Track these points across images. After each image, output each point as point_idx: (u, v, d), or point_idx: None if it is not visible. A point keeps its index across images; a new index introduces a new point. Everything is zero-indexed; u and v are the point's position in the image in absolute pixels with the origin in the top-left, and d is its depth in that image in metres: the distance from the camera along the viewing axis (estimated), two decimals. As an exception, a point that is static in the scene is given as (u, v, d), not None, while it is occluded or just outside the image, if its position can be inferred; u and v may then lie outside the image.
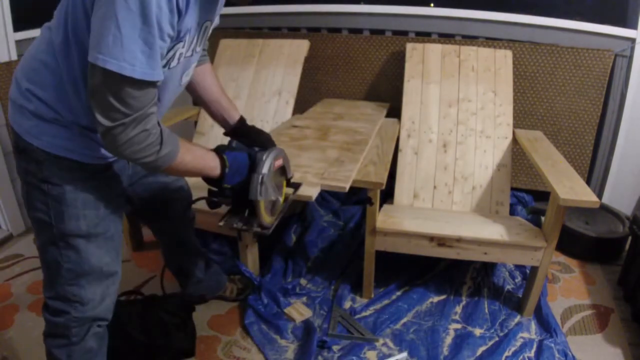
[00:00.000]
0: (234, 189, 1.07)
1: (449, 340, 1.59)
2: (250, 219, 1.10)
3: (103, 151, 1.02)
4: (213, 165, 1.02)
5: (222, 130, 1.28)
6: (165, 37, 0.81)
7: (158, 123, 0.88)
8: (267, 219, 1.11)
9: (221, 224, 1.12)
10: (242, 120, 1.26)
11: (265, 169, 1.06)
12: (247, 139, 1.20)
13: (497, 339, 1.58)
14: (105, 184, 1.06)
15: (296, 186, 1.32)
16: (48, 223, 1.00)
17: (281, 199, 1.21)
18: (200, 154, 1.00)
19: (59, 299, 1.06)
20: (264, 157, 1.08)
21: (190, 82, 1.19)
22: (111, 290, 1.11)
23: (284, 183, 1.25)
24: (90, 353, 1.13)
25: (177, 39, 0.86)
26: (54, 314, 1.07)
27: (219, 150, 1.06)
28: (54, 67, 0.91)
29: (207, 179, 1.06)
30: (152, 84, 0.83)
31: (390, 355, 1.51)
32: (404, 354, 1.51)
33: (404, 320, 1.68)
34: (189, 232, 1.56)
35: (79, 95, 0.92)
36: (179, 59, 0.93)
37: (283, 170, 1.21)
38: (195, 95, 1.24)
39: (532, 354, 1.52)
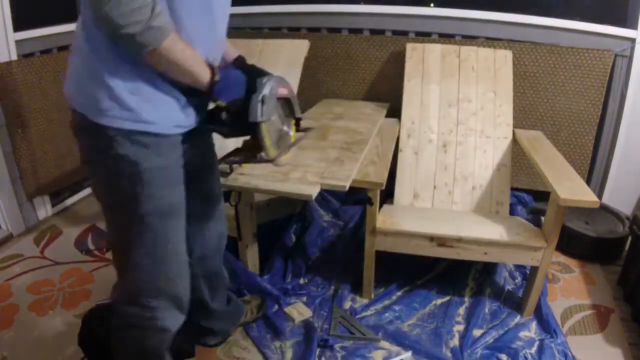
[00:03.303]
0: (230, 111, 0.97)
1: (452, 342, 1.59)
2: (252, 151, 1.03)
3: (178, 116, 0.97)
4: (202, 68, 0.93)
5: None
6: None
7: None
8: (271, 150, 1.01)
9: (222, 165, 1.08)
10: (241, 58, 1.14)
11: (266, 90, 0.96)
12: (244, 70, 1.06)
13: (497, 337, 1.59)
14: (178, 165, 1.03)
15: (307, 129, 1.19)
16: (123, 203, 0.97)
17: (291, 134, 1.11)
18: (193, 54, 0.91)
19: (134, 287, 1.05)
20: (264, 80, 0.98)
21: None
22: (184, 272, 1.09)
23: (293, 123, 1.14)
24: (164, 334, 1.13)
25: None
26: (128, 302, 1.06)
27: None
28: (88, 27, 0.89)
29: (210, 114, 1.01)
30: None
31: (395, 356, 1.51)
32: (408, 354, 1.51)
33: (408, 322, 1.68)
34: (220, 257, 1.41)
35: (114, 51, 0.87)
36: None
37: (290, 107, 1.11)
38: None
39: (533, 351, 1.53)
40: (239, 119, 0.97)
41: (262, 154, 1.01)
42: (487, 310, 1.72)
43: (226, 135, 1.03)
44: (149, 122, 0.92)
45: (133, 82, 0.90)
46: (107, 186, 0.97)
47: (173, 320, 1.12)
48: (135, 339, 1.10)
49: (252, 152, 1.03)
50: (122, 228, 1.01)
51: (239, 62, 1.13)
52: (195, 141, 1.09)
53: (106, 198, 1.00)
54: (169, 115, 0.96)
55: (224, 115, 0.98)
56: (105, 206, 1.02)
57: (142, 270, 1.03)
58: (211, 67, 0.95)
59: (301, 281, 1.88)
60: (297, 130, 1.16)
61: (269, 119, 0.99)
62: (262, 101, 0.95)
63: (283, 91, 1.04)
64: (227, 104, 0.97)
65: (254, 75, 0.99)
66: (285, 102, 1.08)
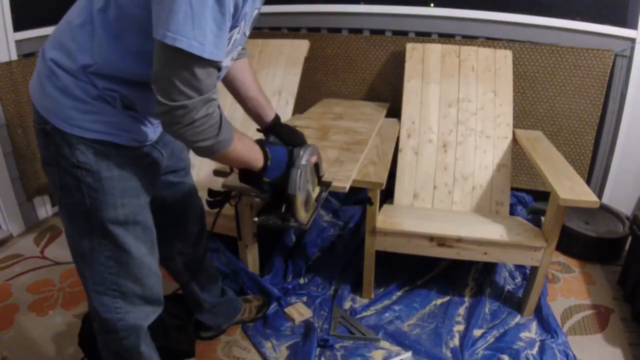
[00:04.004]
0: (272, 184, 1.08)
1: (452, 342, 1.58)
2: (286, 215, 1.12)
3: (142, 132, 0.99)
4: (258, 157, 1.03)
5: None
6: (231, 18, 0.79)
7: (218, 107, 0.87)
8: (302, 214, 1.13)
9: (256, 219, 1.14)
10: (277, 118, 1.26)
11: (303, 164, 1.08)
12: (281, 136, 1.20)
13: (498, 337, 1.59)
14: (143, 173, 1.02)
15: (327, 184, 1.34)
16: (83, 211, 0.96)
17: (314, 195, 1.22)
18: (249, 144, 1.01)
19: (99, 293, 1.03)
20: (302, 153, 1.10)
21: (229, 77, 1.18)
22: (149, 273, 1.07)
23: (316, 181, 1.25)
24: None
25: (236, 24, 0.84)
26: (101, 312, 1.05)
27: (261, 144, 1.06)
28: (89, 31, 0.86)
29: (244, 174, 1.07)
30: (216, 66, 0.81)
31: (395, 356, 1.51)
32: (408, 354, 1.51)
33: (408, 322, 1.68)
34: (203, 251, 1.41)
35: (116, 60, 0.87)
36: (232, 45, 0.90)
37: (316, 168, 1.23)
38: (233, 91, 1.22)
39: (534, 352, 1.53)
40: (278, 189, 1.08)
41: (293, 219, 1.12)
42: (487, 310, 1.72)
43: (264, 199, 1.16)
44: (111, 133, 0.93)
45: (98, 101, 0.91)
46: (67, 192, 0.96)
47: (143, 314, 1.11)
48: (114, 340, 1.10)
49: (285, 216, 1.12)
50: (82, 235, 1.00)
51: (276, 126, 1.24)
52: (165, 145, 1.12)
53: (66, 203, 0.99)
54: (131, 130, 0.97)
55: (265, 186, 1.08)
56: (64, 211, 1.00)
57: (104, 277, 1.02)
58: (263, 149, 1.04)
59: (301, 281, 1.88)
60: (318, 183, 1.27)
61: (303, 191, 1.10)
62: (300, 176, 1.07)
63: (314, 159, 1.17)
64: (271, 180, 1.07)
65: (291, 143, 1.15)
66: (313, 166, 1.19)
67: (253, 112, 1.24)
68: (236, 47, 0.95)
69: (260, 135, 1.27)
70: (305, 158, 1.10)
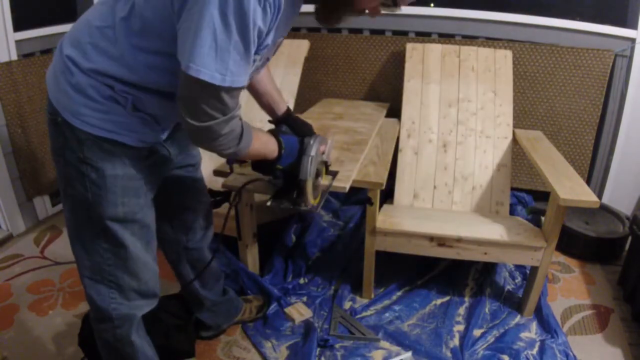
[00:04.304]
0: (284, 170, 1.16)
1: (452, 342, 1.58)
2: (297, 200, 1.21)
3: (149, 133, 1.01)
4: (273, 148, 1.12)
5: None
6: (255, 47, 0.84)
7: (240, 118, 0.95)
8: (312, 199, 1.22)
9: (269, 203, 1.22)
10: (288, 111, 1.32)
11: (313, 152, 1.16)
12: (292, 127, 1.27)
13: (498, 337, 1.59)
14: (147, 172, 1.04)
15: (334, 174, 1.43)
16: (84, 204, 0.99)
17: (322, 182, 1.31)
18: (265, 139, 1.10)
19: (97, 282, 1.05)
20: (312, 142, 1.18)
21: None
22: (147, 277, 1.10)
23: (324, 170, 1.34)
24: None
25: (256, 53, 0.89)
26: (97, 300, 1.07)
27: (275, 134, 1.15)
28: (109, 36, 0.89)
29: (257, 163, 1.17)
30: (239, 90, 0.88)
31: (395, 356, 1.51)
32: (408, 354, 1.52)
33: (408, 322, 1.68)
34: (209, 250, 1.42)
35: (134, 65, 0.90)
36: (253, 69, 0.95)
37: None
38: (248, 87, 1.26)
39: (534, 352, 1.53)
40: (290, 176, 1.18)
41: (304, 203, 1.21)
42: (487, 310, 1.72)
43: (276, 185, 1.26)
44: (120, 133, 0.95)
45: (109, 101, 0.93)
46: (71, 184, 0.99)
47: (137, 306, 1.12)
48: (107, 329, 1.12)
49: (296, 200, 1.22)
50: (83, 226, 1.02)
51: (287, 118, 1.30)
52: (173, 143, 1.13)
53: (69, 194, 1.01)
54: (139, 131, 0.99)
55: (278, 172, 1.18)
56: (67, 201, 1.03)
57: (102, 268, 1.04)
58: (277, 139, 1.13)
59: (301, 281, 1.88)
60: (326, 172, 1.37)
61: (313, 177, 1.18)
62: (311, 163, 1.15)
63: (323, 148, 1.26)
64: (283, 167, 1.16)
65: (301, 134, 1.23)
66: (321, 155, 1.27)
67: (267, 106, 1.30)
68: (256, 69, 0.99)
69: (272, 126, 1.32)
70: (315, 147, 1.17)
